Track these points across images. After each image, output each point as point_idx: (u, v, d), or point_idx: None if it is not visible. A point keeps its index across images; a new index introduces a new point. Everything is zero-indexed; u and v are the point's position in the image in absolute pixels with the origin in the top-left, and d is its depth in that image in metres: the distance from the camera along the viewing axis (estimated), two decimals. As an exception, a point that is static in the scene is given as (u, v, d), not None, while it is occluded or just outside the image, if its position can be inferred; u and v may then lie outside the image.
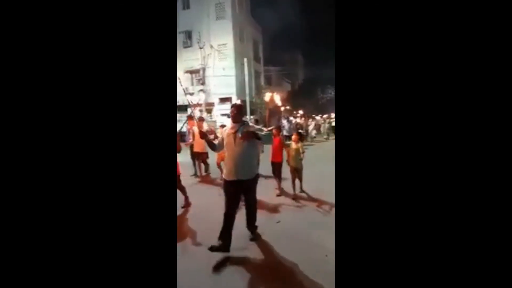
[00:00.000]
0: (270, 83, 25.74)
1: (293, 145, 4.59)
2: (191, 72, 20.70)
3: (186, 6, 20.88)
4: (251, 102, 21.59)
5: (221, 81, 19.62)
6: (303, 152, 4.52)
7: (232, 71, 20.07)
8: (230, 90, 20.14)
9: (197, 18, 20.28)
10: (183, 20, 20.40)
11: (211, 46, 19.90)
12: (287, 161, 4.65)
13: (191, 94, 20.07)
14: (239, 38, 21.29)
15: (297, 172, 4.57)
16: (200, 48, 19.68)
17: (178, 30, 20.39)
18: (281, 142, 4.73)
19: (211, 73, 20.02)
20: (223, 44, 20.25)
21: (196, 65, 20.16)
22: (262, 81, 25.53)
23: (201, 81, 20.15)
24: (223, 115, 19.73)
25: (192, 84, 20.73)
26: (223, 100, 20.21)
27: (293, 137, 4.77)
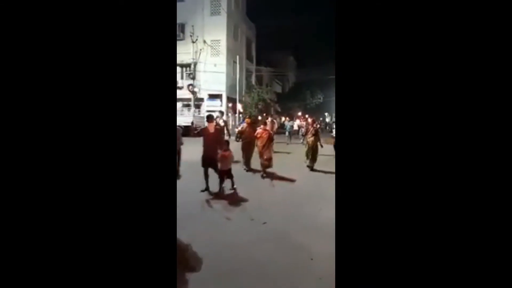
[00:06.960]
0: (261, 83, 25.70)
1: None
2: (182, 66, 20.35)
3: (181, -2, 20.54)
4: (240, 100, 21.58)
5: (212, 77, 19.43)
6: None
7: (223, 68, 19.91)
8: (221, 87, 19.98)
9: (191, 12, 19.92)
10: (177, 12, 20.02)
11: (204, 41, 19.64)
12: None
13: (180, 88, 19.75)
14: (233, 35, 21.15)
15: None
16: (193, 42, 19.36)
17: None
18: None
19: (202, 69, 19.76)
20: (216, 40, 20.05)
21: (187, 59, 19.82)
22: (253, 80, 25.51)
23: (191, 76, 19.83)
24: (210, 111, 19.55)
25: (182, 78, 20.38)
26: (213, 96, 20.02)
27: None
